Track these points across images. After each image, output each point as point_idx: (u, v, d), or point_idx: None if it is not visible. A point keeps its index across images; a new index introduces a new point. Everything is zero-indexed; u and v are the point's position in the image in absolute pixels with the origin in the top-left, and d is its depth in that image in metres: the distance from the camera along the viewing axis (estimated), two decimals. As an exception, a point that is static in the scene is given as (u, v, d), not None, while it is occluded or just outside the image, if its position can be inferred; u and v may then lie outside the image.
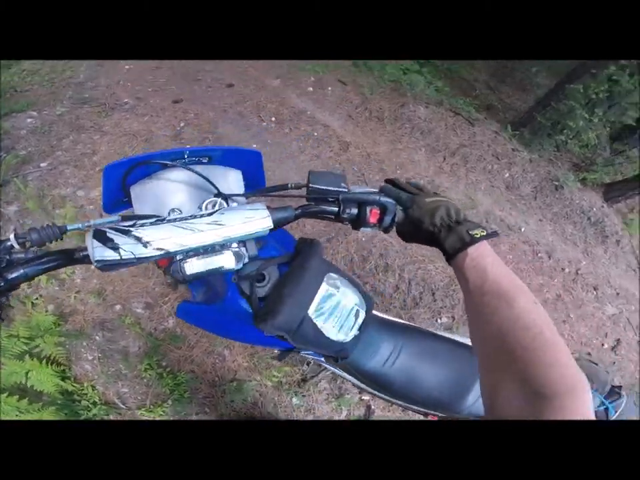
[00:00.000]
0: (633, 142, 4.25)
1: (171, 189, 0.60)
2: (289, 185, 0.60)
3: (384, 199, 0.56)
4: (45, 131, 3.09)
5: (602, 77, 3.07)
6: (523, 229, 2.99)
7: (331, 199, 0.58)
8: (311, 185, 0.57)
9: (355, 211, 0.57)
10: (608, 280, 3.45)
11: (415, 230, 0.56)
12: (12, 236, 0.44)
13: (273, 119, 3.31)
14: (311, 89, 3.80)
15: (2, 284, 0.42)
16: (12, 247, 0.44)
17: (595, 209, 3.54)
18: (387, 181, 0.63)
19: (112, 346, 1.75)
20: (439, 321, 2.20)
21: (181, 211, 0.57)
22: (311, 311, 0.60)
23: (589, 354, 2.63)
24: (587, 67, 3.17)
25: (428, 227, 0.53)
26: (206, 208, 0.55)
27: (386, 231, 0.59)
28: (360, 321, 0.68)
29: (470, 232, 0.50)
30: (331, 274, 0.65)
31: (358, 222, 0.58)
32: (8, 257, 0.44)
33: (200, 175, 0.59)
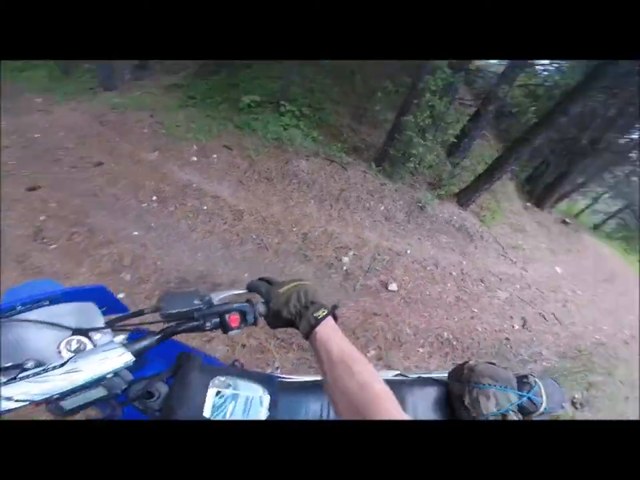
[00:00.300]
0: (461, 154, 5.40)
1: (22, 337, 0.57)
2: (145, 310, 0.62)
3: (237, 305, 0.63)
4: None
5: (423, 105, 3.76)
6: (408, 251, 3.51)
7: (188, 316, 0.61)
8: (162, 312, 0.59)
9: (216, 320, 0.62)
10: (488, 270, 4.24)
11: (277, 319, 0.64)
12: None
13: (154, 197, 3.15)
14: (195, 158, 3.83)
15: None
16: None
17: (455, 217, 4.34)
18: (250, 284, 0.72)
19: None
20: (368, 354, 2.38)
21: (36, 360, 0.54)
22: (206, 413, 0.63)
23: (507, 339, 3.12)
24: (410, 97, 3.87)
25: (286, 315, 0.62)
26: (65, 349, 0.55)
27: (255, 324, 0.65)
28: (266, 403, 0.71)
29: (314, 315, 0.60)
30: (219, 377, 0.68)
31: (224, 328, 0.63)
32: None
33: (41, 322, 0.56)
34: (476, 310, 3.29)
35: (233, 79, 5.79)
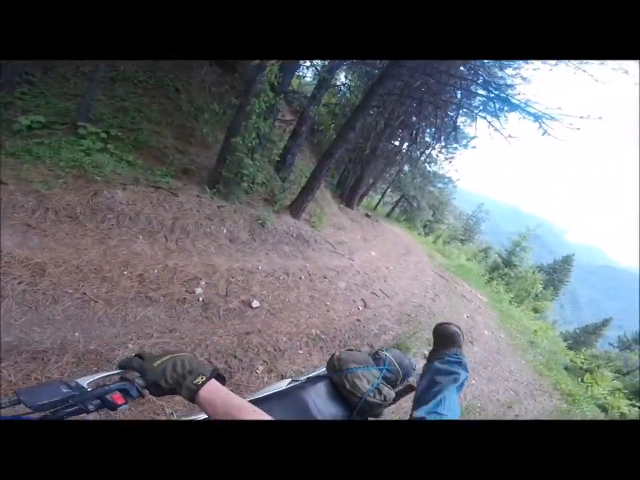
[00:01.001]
0: (287, 169, 6.01)
1: None
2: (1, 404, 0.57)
3: (115, 385, 0.64)
4: None
5: (250, 126, 3.94)
6: (260, 267, 3.58)
7: (64, 408, 0.58)
8: (31, 405, 0.55)
9: (97, 402, 0.61)
10: (327, 267, 4.80)
11: (158, 389, 0.66)
12: None
13: None
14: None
15: None
16: None
17: (292, 227, 4.74)
18: (121, 362, 0.71)
19: None
20: (258, 370, 2.29)
21: None
22: None
23: (358, 320, 3.57)
24: (238, 119, 3.96)
25: (165, 386, 0.64)
26: None
27: (140, 396, 0.66)
28: None
29: (193, 382, 0.63)
30: None
31: (110, 407, 0.62)
32: None
33: None
34: (328, 303, 3.72)
35: (7, 96, 4.33)
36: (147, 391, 0.68)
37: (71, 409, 0.60)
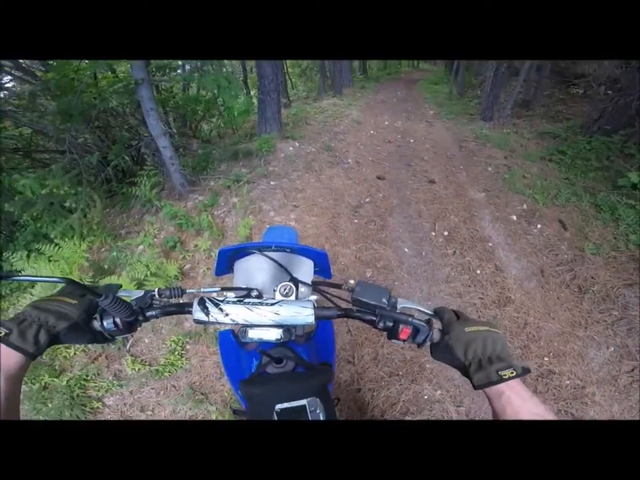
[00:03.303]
0: None
1: (259, 268, 0.83)
2: (342, 286, 0.75)
3: (415, 322, 0.63)
4: (292, 160, 4.34)
5: None
6: None
7: (370, 309, 0.67)
8: (354, 295, 0.67)
9: (390, 324, 0.65)
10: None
11: (447, 354, 0.59)
12: (156, 290, 0.68)
13: (446, 233, 3.19)
14: (515, 217, 3.44)
15: (141, 317, 0.64)
16: (154, 296, 0.67)
17: None
18: (437, 308, 0.68)
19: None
20: None
21: (260, 290, 0.74)
22: (277, 408, 0.71)
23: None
24: None
25: (460, 357, 0.57)
26: (279, 291, 0.72)
27: (419, 346, 0.65)
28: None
29: (499, 372, 0.52)
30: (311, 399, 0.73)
31: (391, 334, 0.66)
32: (150, 302, 0.66)
33: (278, 263, 0.79)
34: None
35: (632, 147, 4.39)
36: (429, 346, 0.65)
37: (367, 317, 0.67)
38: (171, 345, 2.13)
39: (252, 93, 8.06)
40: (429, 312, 0.67)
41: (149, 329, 2.24)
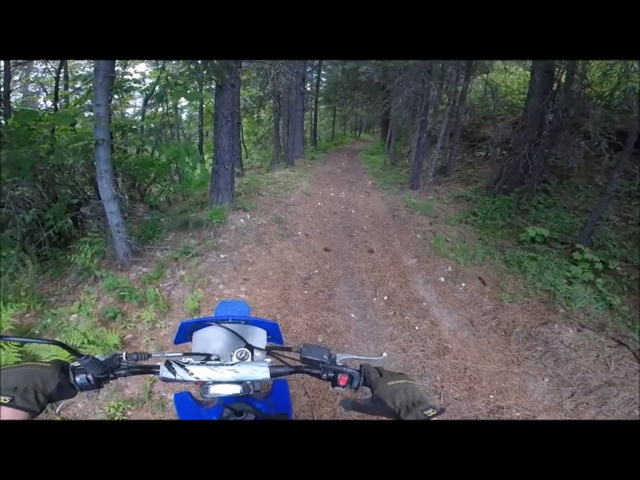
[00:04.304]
0: None
1: (216, 337, 0.93)
2: (292, 349, 0.88)
3: (349, 370, 0.77)
4: (243, 233, 4.39)
5: None
6: None
7: (315, 365, 0.80)
8: (302, 355, 0.82)
9: (331, 374, 0.78)
10: None
11: (380, 407, 0.69)
12: (124, 353, 0.77)
13: (386, 297, 3.48)
14: (443, 279, 3.88)
15: (111, 375, 0.73)
16: (121, 358, 0.75)
17: None
18: (364, 365, 0.81)
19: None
20: None
21: (218, 356, 0.85)
22: None
23: None
24: None
25: (390, 405, 0.67)
26: (236, 355, 0.85)
27: (355, 390, 0.78)
28: None
29: (424, 412, 0.62)
30: None
31: (333, 383, 0.78)
32: (118, 363, 0.74)
33: (234, 332, 0.90)
34: None
35: (525, 203, 5.36)
36: (360, 402, 0.76)
37: (313, 371, 0.80)
38: (109, 411, 1.98)
39: (206, 157, 8.19)
40: (362, 357, 0.85)
41: (82, 394, 2.08)
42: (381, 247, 4.84)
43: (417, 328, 3.03)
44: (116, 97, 5.01)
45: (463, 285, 3.77)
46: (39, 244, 3.11)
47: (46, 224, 3.10)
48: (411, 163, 8.39)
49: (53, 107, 4.95)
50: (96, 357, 0.71)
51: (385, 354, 0.88)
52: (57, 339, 2.28)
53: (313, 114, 16.61)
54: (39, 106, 6.93)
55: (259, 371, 0.76)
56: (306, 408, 2.20)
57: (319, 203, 6.74)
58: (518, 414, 2.25)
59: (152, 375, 0.90)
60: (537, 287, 3.59)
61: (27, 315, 2.70)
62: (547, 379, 2.60)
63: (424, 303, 3.42)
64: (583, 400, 2.39)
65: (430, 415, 0.63)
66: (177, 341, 1.00)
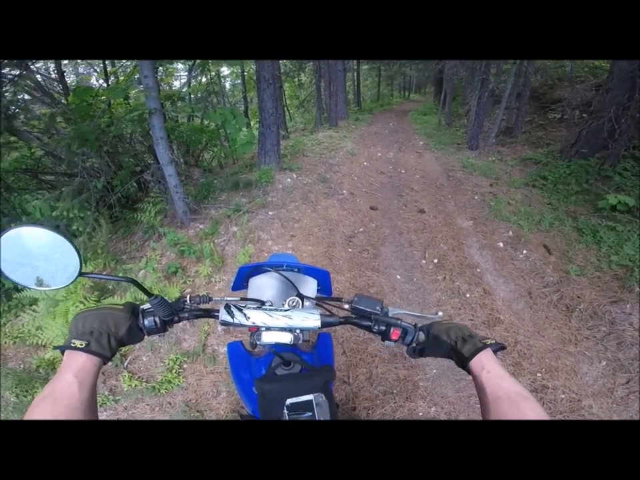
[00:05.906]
0: None
1: (271, 285, 0.97)
2: (342, 299, 0.87)
3: (404, 324, 0.75)
4: (289, 191, 4.52)
5: None
6: None
7: (367, 316, 0.78)
8: (353, 304, 0.78)
9: (382, 328, 0.76)
10: None
11: (434, 345, 0.72)
12: (188, 296, 0.77)
13: (436, 260, 3.33)
14: (501, 244, 3.60)
15: (176, 318, 0.74)
16: (185, 301, 0.76)
17: None
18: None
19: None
20: None
21: (272, 302, 0.85)
22: (287, 402, 0.80)
23: None
24: None
25: (446, 339, 0.69)
26: (288, 304, 0.85)
27: (408, 346, 0.76)
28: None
29: (482, 341, 0.64)
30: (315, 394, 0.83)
31: (384, 336, 0.77)
32: (182, 306, 0.75)
33: (288, 279, 0.91)
34: None
35: (608, 169, 4.62)
36: (413, 349, 0.75)
37: (364, 323, 0.78)
38: (168, 364, 2.20)
39: (252, 123, 8.34)
40: (417, 314, 0.80)
41: (147, 347, 2.32)
42: (432, 207, 4.57)
43: (467, 295, 2.89)
44: (161, 68, 5.25)
45: (525, 252, 3.44)
46: (109, 206, 3.48)
47: (115, 189, 3.45)
48: (470, 122, 7.58)
49: (105, 83, 5.36)
50: (164, 298, 0.73)
51: (440, 312, 0.83)
52: (128, 293, 2.52)
53: (355, 74, 15.79)
54: (93, 85, 7.35)
55: (310, 319, 0.76)
56: (342, 367, 2.26)
57: (365, 163, 6.46)
58: (563, 395, 2.10)
59: (207, 328, 0.95)
60: (611, 260, 3.14)
61: (104, 272, 3.04)
62: (605, 362, 2.36)
63: (478, 269, 3.22)
64: (636, 389, 2.15)
65: (488, 342, 0.63)
66: (235, 287, 1.02)
